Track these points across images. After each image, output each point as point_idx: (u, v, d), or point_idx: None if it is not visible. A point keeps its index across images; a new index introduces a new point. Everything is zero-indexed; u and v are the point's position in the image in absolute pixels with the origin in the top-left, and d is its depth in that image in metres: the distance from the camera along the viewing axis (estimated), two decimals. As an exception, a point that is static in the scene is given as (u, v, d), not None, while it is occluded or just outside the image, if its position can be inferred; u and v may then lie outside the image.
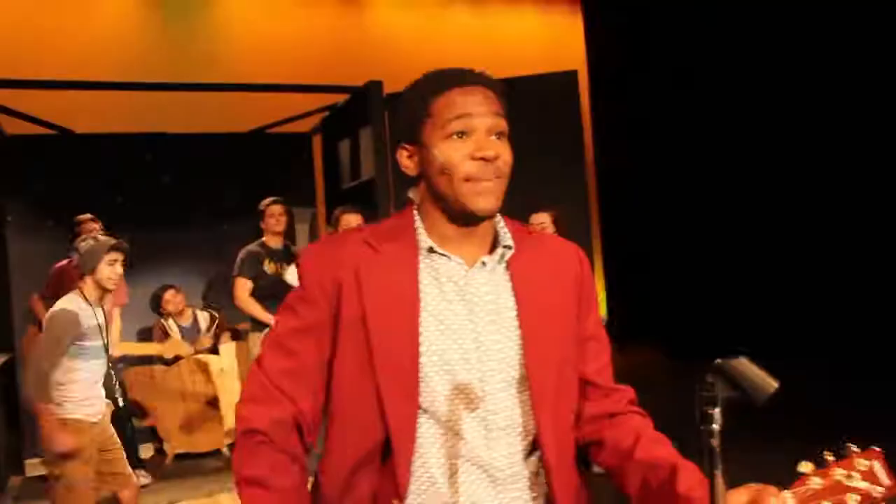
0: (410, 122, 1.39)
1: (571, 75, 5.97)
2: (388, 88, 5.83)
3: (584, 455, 1.48)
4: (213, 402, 6.03)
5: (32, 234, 6.39)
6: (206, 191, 6.86)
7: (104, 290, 3.71)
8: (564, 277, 1.45)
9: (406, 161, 1.41)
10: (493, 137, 1.35)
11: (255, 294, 5.27)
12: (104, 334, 3.71)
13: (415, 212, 1.43)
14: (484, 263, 1.39)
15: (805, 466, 1.24)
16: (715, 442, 0.95)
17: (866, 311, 7.69)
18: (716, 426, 0.95)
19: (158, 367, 6.00)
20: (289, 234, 5.77)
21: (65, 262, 5.34)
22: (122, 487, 3.82)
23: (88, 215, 5.44)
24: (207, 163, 6.87)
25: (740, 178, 8.57)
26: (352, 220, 4.77)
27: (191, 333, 6.14)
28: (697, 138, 8.75)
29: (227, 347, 6.12)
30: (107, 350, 3.75)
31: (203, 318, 6.27)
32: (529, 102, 5.54)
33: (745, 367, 0.99)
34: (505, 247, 1.41)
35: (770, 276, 8.52)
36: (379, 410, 1.32)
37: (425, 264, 1.38)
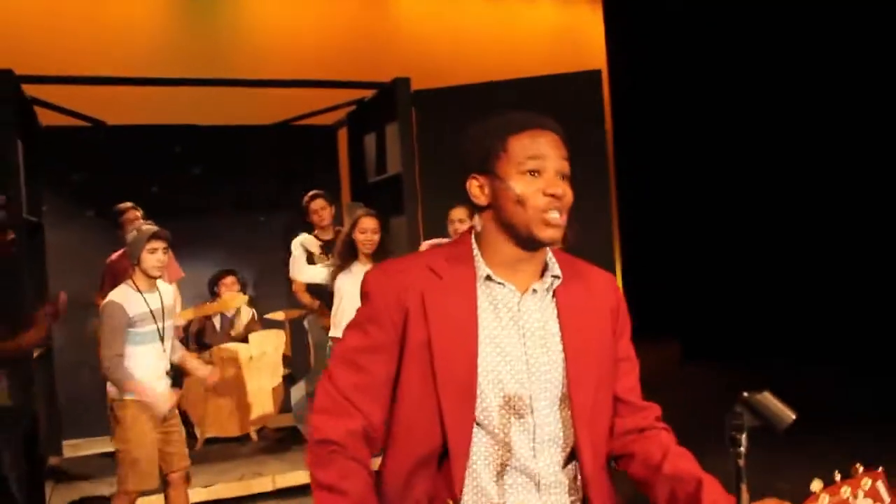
0: (485, 156, 1.53)
1: (595, 74, 6.07)
2: (413, 84, 5.99)
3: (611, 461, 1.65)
4: (242, 390, 6.23)
5: (68, 223, 6.60)
6: (236, 182, 7.05)
7: (151, 278, 3.91)
8: (603, 306, 1.61)
9: (476, 191, 1.55)
10: (560, 178, 1.52)
11: (311, 286, 5.57)
12: (159, 320, 3.90)
13: (473, 241, 1.58)
14: (534, 291, 1.55)
15: (815, 485, 1.39)
16: (742, 462, 1.12)
17: (882, 313, 7.77)
18: (742, 449, 1.12)
19: (190, 354, 6.18)
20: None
21: (114, 255, 5.52)
22: (175, 467, 4.02)
23: (129, 203, 5.59)
24: (235, 155, 7.06)
25: (762, 181, 8.65)
26: (370, 223, 4.78)
27: (231, 323, 6.32)
28: (717, 139, 8.83)
29: (258, 336, 6.31)
30: (162, 335, 3.93)
31: (246, 312, 6.44)
32: (553, 101, 5.67)
33: (768, 400, 1.15)
34: (553, 276, 1.56)
35: (788, 278, 8.62)
36: (439, 421, 1.48)
37: (482, 291, 1.53)
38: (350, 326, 1.58)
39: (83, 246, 6.42)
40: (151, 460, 3.90)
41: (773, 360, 7.75)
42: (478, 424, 1.49)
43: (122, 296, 3.86)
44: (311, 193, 5.80)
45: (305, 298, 5.69)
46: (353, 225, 4.81)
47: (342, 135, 7.54)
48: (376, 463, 1.60)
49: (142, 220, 5.38)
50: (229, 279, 6.39)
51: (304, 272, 4.99)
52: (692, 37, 8.83)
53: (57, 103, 6.16)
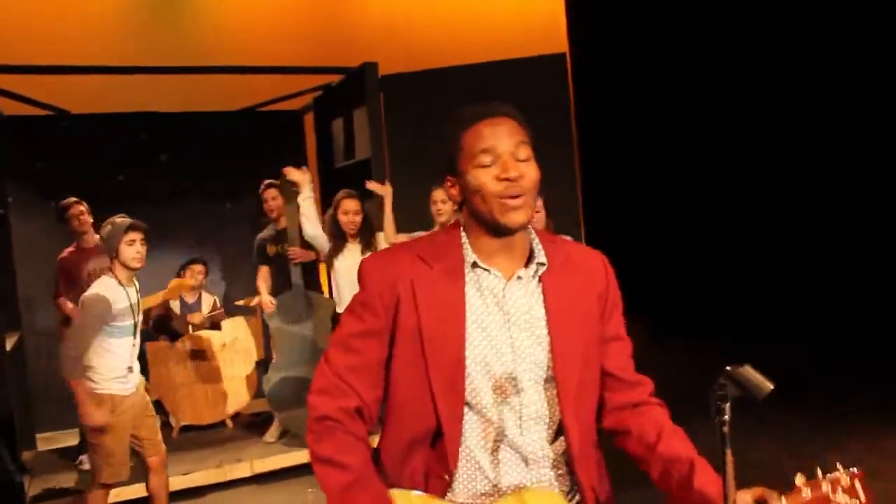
0: (450, 156, 1.61)
1: (559, 58, 6.16)
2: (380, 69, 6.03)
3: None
4: (217, 377, 6.27)
5: (34, 213, 6.54)
6: (203, 169, 7.04)
7: (131, 270, 3.91)
8: (591, 289, 1.67)
9: (451, 191, 1.64)
10: (516, 161, 1.56)
11: (278, 275, 5.68)
12: (136, 314, 3.94)
13: (462, 230, 1.65)
14: (519, 277, 1.62)
15: (799, 479, 1.52)
16: (726, 429, 1.22)
17: (849, 291, 8.00)
18: (726, 417, 1.22)
19: (162, 344, 6.20)
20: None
21: (65, 252, 5.51)
22: (152, 453, 4.08)
23: (73, 198, 5.52)
24: (202, 141, 7.05)
25: (724, 160, 8.80)
26: (351, 205, 4.99)
27: (189, 310, 6.33)
28: (680, 119, 8.96)
29: (230, 323, 6.35)
30: (136, 329, 3.97)
31: (207, 300, 6.46)
32: (518, 84, 5.76)
33: (749, 373, 1.26)
34: (539, 263, 1.63)
35: (750, 258, 8.81)
36: (431, 402, 1.56)
37: (470, 277, 1.60)
38: (347, 311, 1.65)
39: (49, 236, 6.36)
40: (125, 452, 3.95)
41: (742, 335, 7.98)
42: (468, 404, 1.57)
43: (108, 289, 3.84)
44: (265, 183, 5.82)
45: (262, 287, 5.72)
46: (336, 207, 4.97)
47: (309, 120, 7.54)
48: (374, 441, 1.67)
49: (87, 215, 5.41)
50: (197, 267, 6.39)
51: (314, 222, 5.07)
52: (653, 19, 8.94)
53: (21, 93, 6.09)
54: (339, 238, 5.02)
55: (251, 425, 6.37)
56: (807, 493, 1.48)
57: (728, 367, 1.27)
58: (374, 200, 5.28)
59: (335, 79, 6.67)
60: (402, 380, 1.60)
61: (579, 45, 9.23)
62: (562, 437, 1.63)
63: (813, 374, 6.75)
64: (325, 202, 6.78)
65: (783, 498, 1.48)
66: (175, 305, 6.31)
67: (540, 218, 4.46)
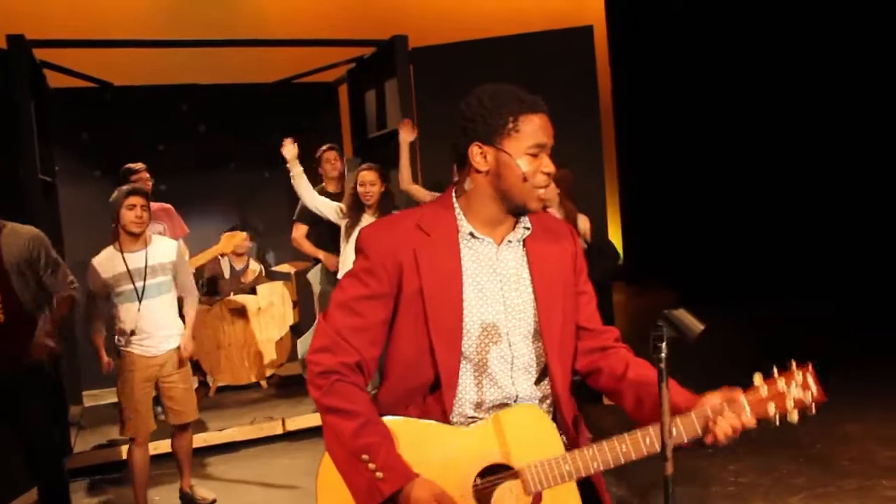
0: (493, 129, 1.71)
1: (587, 31, 6.20)
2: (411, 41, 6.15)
3: (589, 390, 1.91)
4: (252, 340, 6.51)
5: (79, 182, 6.83)
6: (240, 139, 7.25)
7: (131, 235, 3.98)
8: (564, 252, 1.86)
9: (479, 158, 1.74)
10: (550, 156, 1.75)
11: (314, 237, 5.76)
12: (137, 279, 3.98)
13: (454, 200, 1.79)
14: (509, 241, 1.78)
15: (757, 378, 1.68)
16: (662, 365, 1.36)
17: (868, 260, 7.98)
18: (663, 355, 1.36)
19: (201, 307, 6.44)
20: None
21: None
22: (172, 418, 4.25)
23: (141, 164, 5.53)
24: (239, 112, 7.25)
25: (753, 131, 8.78)
26: (368, 177, 5.09)
27: (237, 276, 6.56)
28: (714, 90, 8.94)
29: (266, 287, 6.57)
30: (139, 295, 4.00)
31: (254, 267, 6.68)
32: (546, 57, 5.83)
33: (683, 315, 1.40)
34: (525, 228, 1.80)
35: (776, 224, 8.81)
36: (431, 357, 1.72)
37: (465, 245, 1.76)
38: (348, 276, 1.79)
39: (94, 203, 6.61)
40: (137, 410, 4.05)
41: (767, 303, 8.02)
42: (465, 357, 1.74)
43: (101, 259, 4.03)
44: (326, 146, 6.00)
45: (306, 246, 5.86)
46: (355, 179, 5.09)
47: (343, 91, 7.70)
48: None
49: (150, 182, 5.57)
50: (243, 234, 6.54)
51: (314, 198, 5.28)
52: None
53: (65, 66, 6.32)
54: (357, 209, 5.11)
55: (284, 386, 6.62)
56: (764, 390, 1.64)
57: (665, 311, 1.41)
58: (396, 173, 5.39)
59: (368, 51, 6.80)
60: (404, 338, 1.75)
61: (615, 16, 9.24)
62: (545, 382, 1.80)
63: (831, 340, 6.79)
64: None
65: (743, 396, 1.63)
66: (226, 268, 6.53)
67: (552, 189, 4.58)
